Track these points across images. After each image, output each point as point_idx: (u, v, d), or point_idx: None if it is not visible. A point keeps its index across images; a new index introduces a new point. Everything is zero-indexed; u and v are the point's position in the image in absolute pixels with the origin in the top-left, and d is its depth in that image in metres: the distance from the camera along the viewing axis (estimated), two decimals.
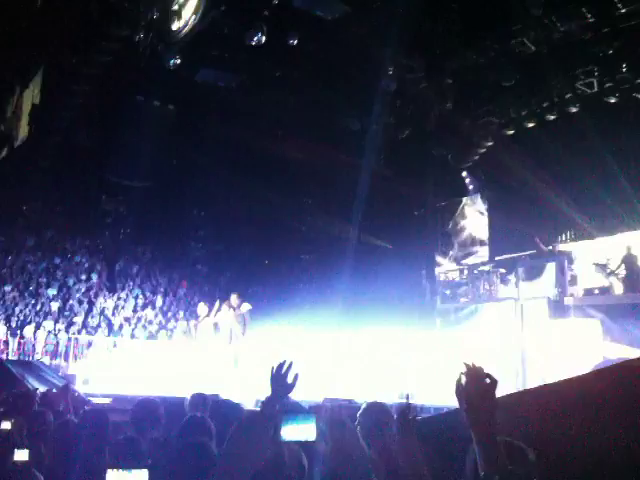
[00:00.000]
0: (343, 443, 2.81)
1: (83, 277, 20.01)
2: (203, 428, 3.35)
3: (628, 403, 2.42)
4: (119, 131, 16.09)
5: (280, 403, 2.64)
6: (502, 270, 14.99)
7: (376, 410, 3.60)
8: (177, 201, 19.92)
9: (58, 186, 19.53)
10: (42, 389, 8.46)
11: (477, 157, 15.55)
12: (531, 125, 13.70)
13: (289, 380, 2.61)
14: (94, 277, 20.18)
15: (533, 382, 10.56)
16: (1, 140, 16.48)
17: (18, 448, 3.36)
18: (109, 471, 2.24)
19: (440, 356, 11.44)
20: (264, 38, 11.47)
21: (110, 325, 18.01)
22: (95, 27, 13.15)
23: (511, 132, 14.32)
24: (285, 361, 2.65)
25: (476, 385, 1.94)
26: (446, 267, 17.42)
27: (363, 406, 3.65)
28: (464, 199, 17.66)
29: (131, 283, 20.57)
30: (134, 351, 13.21)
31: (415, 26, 11.88)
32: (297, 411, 2.59)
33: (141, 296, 20.11)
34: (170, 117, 15.91)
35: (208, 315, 13.37)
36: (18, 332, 16.61)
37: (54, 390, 7.78)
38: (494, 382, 1.95)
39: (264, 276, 19.49)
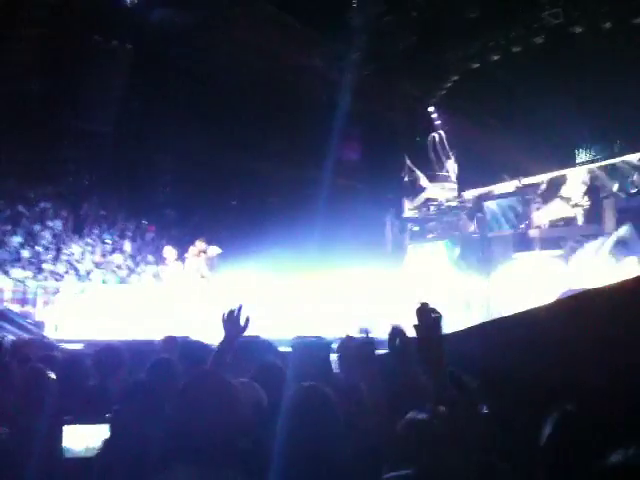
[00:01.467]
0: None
1: (49, 224, 19.69)
2: (169, 370, 3.38)
3: (576, 333, 2.46)
4: (77, 74, 15.62)
5: (235, 342, 2.72)
6: (469, 205, 15.14)
7: (350, 343, 3.72)
8: (141, 145, 19.54)
9: (16, 134, 18.97)
10: (11, 337, 8.42)
11: (443, 92, 15.46)
12: (496, 58, 13.63)
13: (241, 322, 2.71)
14: (59, 224, 19.86)
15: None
16: None
17: None
18: (65, 427, 2.21)
19: (403, 292, 11.62)
20: None
21: (78, 271, 17.86)
22: None
23: (476, 65, 14.23)
24: (236, 305, 2.74)
25: (424, 319, 2.06)
26: (414, 204, 17.53)
27: (340, 340, 3.77)
28: (431, 135, 17.62)
29: (98, 229, 20.32)
30: (103, 296, 13.17)
31: None
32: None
33: (109, 241, 19.91)
34: (129, 58, 15.46)
35: (177, 259, 13.34)
36: None
37: (22, 337, 7.74)
38: (439, 316, 2.08)
39: (232, 220, 19.40)
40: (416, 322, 2.07)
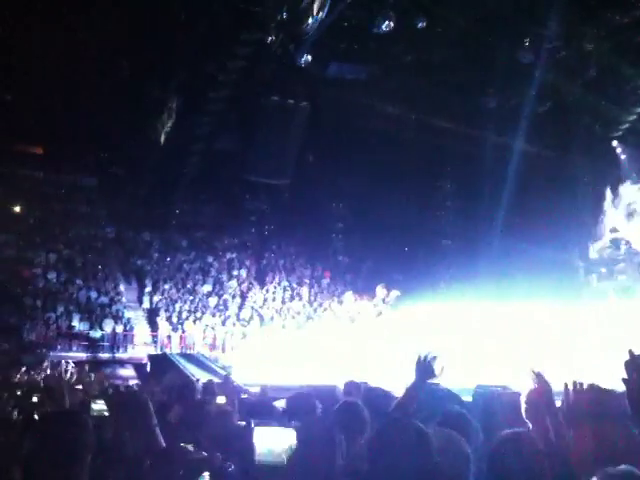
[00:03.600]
0: None
1: (234, 273, 21.01)
2: (357, 413, 3.40)
3: None
4: (257, 132, 16.70)
5: (424, 389, 2.71)
6: None
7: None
8: (316, 195, 20.36)
9: (204, 189, 20.67)
10: (204, 379, 8.98)
11: (628, 125, 14.52)
12: None
13: (434, 368, 2.69)
14: (244, 273, 21.11)
15: None
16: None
17: (182, 439, 3.58)
18: (257, 428, 2.39)
19: (598, 336, 10.79)
20: (392, 24, 11.42)
21: (261, 317, 18.77)
22: (227, 33, 13.72)
23: None
24: (430, 352, 2.73)
25: (636, 372, 1.85)
26: (601, 244, 16.42)
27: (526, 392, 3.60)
28: (618, 171, 16.53)
29: (278, 276, 21.30)
30: (285, 341, 13.65)
31: None
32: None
33: (288, 288, 20.77)
34: (304, 114, 16.26)
35: (356, 303, 13.53)
36: (179, 327, 17.76)
37: (215, 380, 8.22)
38: None
39: (404, 263, 19.42)
40: (624, 375, 1.84)
